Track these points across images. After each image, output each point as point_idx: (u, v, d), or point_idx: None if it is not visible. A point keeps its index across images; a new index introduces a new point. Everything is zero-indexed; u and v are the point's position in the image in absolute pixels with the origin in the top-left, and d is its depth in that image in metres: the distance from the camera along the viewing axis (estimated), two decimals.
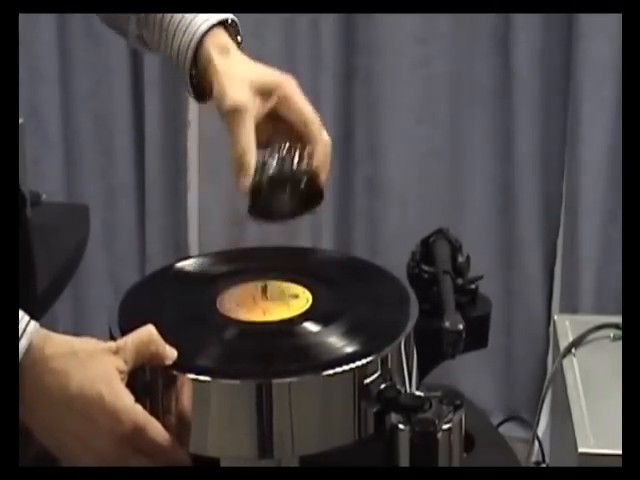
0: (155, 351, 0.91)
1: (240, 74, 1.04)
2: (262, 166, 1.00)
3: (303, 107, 1.04)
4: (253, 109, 1.02)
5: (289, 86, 1.04)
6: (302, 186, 0.99)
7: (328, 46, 2.50)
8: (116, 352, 0.90)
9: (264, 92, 1.03)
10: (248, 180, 0.99)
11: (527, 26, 2.39)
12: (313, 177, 1.00)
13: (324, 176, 1.02)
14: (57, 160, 2.63)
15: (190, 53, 1.07)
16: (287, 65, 1.06)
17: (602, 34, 2.30)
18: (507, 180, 2.51)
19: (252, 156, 1.00)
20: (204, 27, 1.07)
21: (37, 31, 2.52)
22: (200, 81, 1.08)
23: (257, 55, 1.08)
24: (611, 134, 2.37)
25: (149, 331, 0.92)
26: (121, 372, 0.90)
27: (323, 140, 1.03)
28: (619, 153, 2.30)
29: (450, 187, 2.55)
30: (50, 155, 2.61)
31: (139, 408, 0.89)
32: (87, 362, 0.89)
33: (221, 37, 1.08)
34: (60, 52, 2.58)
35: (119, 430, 0.88)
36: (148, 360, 0.92)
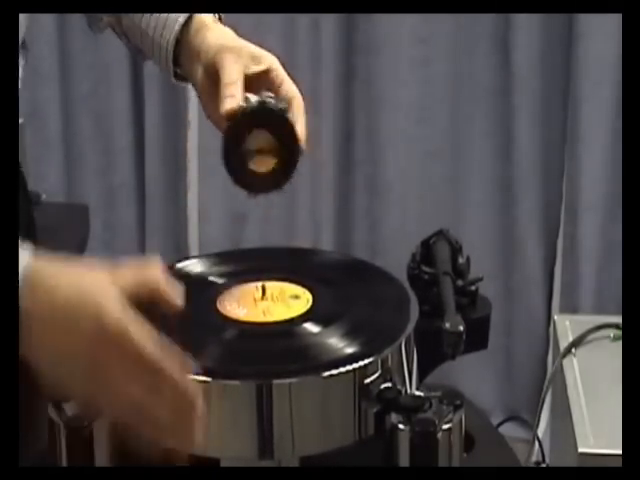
0: (156, 289, 0.85)
1: (235, 36, 1.08)
2: (246, 99, 1.01)
3: (288, 81, 1.06)
4: (246, 57, 1.05)
5: (276, 61, 1.07)
6: (284, 119, 1.00)
7: (328, 46, 2.50)
8: (112, 273, 0.83)
9: (254, 57, 1.06)
10: (235, 102, 1.00)
11: (527, 26, 2.39)
12: (292, 124, 1.01)
13: (300, 129, 1.01)
14: (57, 160, 2.63)
15: (177, 27, 1.08)
16: (287, 65, 1.06)
17: (602, 34, 2.30)
18: (507, 180, 2.51)
19: (240, 87, 1.02)
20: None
21: (37, 31, 2.52)
22: (183, 57, 1.10)
23: None
24: (611, 134, 2.37)
25: (156, 272, 0.86)
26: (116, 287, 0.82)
27: (300, 104, 1.04)
28: (619, 153, 2.30)
29: (450, 187, 2.55)
30: (50, 155, 2.61)
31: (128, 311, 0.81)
32: (79, 278, 0.82)
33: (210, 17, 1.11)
34: (60, 52, 2.59)
35: (102, 332, 0.79)
36: (147, 296, 0.84)
